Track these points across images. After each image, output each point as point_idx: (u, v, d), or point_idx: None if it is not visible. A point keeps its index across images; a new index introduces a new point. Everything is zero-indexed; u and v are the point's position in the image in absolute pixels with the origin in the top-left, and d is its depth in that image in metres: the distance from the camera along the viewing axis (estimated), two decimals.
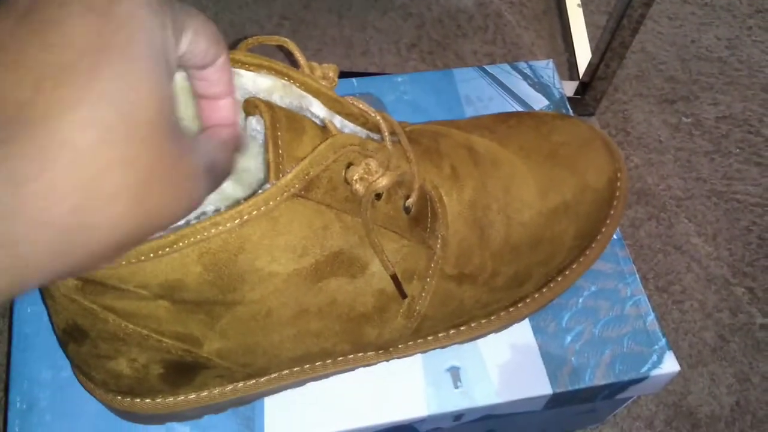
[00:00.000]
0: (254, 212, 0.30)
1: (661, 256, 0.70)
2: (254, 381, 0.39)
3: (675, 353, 0.56)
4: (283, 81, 0.34)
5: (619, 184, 0.47)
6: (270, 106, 0.32)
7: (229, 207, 0.30)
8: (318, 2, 0.92)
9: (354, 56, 0.87)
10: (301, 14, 0.91)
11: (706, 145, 0.80)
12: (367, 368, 0.43)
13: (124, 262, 0.28)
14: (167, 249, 0.28)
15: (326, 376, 0.42)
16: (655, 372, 0.46)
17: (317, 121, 0.35)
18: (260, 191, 0.31)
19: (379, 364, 0.44)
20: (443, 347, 0.44)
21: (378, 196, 0.35)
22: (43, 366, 0.42)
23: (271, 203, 0.30)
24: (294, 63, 0.37)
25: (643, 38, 0.89)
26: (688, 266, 0.70)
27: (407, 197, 0.38)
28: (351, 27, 0.90)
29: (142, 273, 0.29)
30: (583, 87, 0.81)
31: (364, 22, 0.90)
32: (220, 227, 0.29)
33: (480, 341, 0.46)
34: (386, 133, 0.37)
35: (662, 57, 0.88)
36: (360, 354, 0.41)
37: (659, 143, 0.80)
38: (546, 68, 0.61)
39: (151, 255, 0.28)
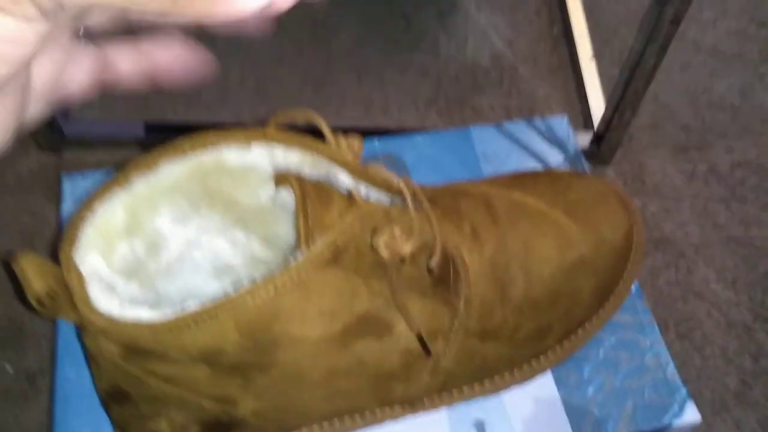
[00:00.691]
0: (287, 282, 0.32)
1: (680, 303, 0.71)
2: None
3: (697, 400, 0.56)
4: (311, 154, 0.36)
5: (635, 237, 0.49)
6: (299, 179, 0.35)
7: (263, 276, 0.32)
8: (338, 62, 0.95)
9: (374, 114, 0.90)
10: (323, 74, 0.94)
11: (722, 191, 0.81)
12: (394, 422, 0.45)
13: (166, 331, 0.30)
14: (206, 318, 0.30)
15: (354, 430, 0.43)
16: (677, 422, 0.47)
17: (343, 190, 0.37)
18: (291, 259, 0.33)
19: (405, 419, 0.45)
20: (468, 401, 0.46)
21: (402, 260, 0.37)
22: (85, 427, 0.44)
23: (302, 274, 0.32)
24: (322, 134, 0.39)
25: (656, 88, 0.92)
26: (708, 312, 0.71)
27: (430, 258, 0.39)
28: (370, 85, 0.93)
29: (182, 340, 0.31)
30: (598, 138, 0.83)
31: (383, 81, 0.93)
32: (256, 297, 0.31)
33: (504, 394, 0.47)
34: (409, 198, 0.39)
35: (676, 106, 0.90)
36: (387, 409, 0.43)
37: (675, 191, 0.82)
38: (560, 123, 0.63)
39: (191, 324, 0.30)
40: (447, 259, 0.41)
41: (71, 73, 0.28)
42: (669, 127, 0.88)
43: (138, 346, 0.31)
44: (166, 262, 0.37)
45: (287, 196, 0.36)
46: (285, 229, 0.40)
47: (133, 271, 0.35)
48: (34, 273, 0.30)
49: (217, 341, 0.31)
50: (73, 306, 0.31)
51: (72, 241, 0.31)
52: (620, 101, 0.80)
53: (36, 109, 0.27)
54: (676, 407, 0.48)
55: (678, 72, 0.94)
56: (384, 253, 0.35)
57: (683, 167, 0.84)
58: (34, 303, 0.31)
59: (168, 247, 0.37)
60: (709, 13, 1.00)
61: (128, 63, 0.29)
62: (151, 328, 0.30)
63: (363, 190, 0.39)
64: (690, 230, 0.78)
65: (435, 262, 0.39)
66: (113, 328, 0.30)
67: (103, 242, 0.33)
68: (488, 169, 0.59)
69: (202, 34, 0.27)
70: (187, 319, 0.30)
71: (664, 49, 0.75)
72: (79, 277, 0.31)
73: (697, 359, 0.69)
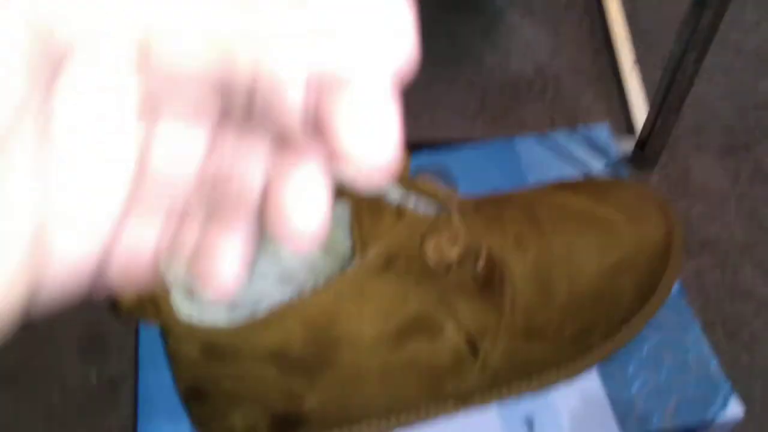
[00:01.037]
0: (346, 287, 0.35)
1: (727, 303, 0.73)
2: None
3: (747, 397, 0.58)
4: None
5: (674, 238, 0.51)
6: (353, 193, 0.38)
7: (325, 281, 0.36)
8: None
9: (422, 126, 0.94)
10: None
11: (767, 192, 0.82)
12: (447, 418, 0.48)
13: (240, 332, 0.34)
14: (275, 320, 0.34)
15: (410, 425, 0.46)
16: (721, 416, 0.49)
17: (394, 202, 0.41)
18: (348, 266, 0.36)
19: (458, 414, 0.48)
20: (516, 396, 0.48)
21: (450, 265, 0.40)
22: (166, 425, 0.48)
23: (359, 279, 0.36)
24: None
25: (699, 91, 0.93)
26: (755, 312, 0.72)
27: (476, 263, 0.42)
28: (417, 100, 0.96)
29: (254, 340, 0.35)
30: (642, 143, 0.85)
31: (431, 95, 0.97)
32: (318, 301, 0.35)
33: (551, 391, 0.50)
34: (455, 207, 0.43)
35: (719, 109, 0.92)
36: (440, 405, 0.46)
37: (720, 193, 0.83)
38: (602, 130, 0.66)
39: (262, 326, 0.34)
40: (492, 264, 0.44)
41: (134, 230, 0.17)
42: (713, 130, 0.89)
43: (215, 347, 0.35)
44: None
45: (343, 210, 0.39)
46: (341, 239, 0.44)
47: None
48: None
49: (284, 341, 0.35)
50: (158, 311, 0.35)
51: None
52: (662, 106, 0.82)
53: (57, 287, 0.15)
54: (719, 402, 0.50)
55: (721, 75, 0.95)
56: (432, 258, 0.38)
57: (728, 169, 0.85)
58: (122, 309, 0.35)
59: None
60: (752, 15, 1.01)
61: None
62: (227, 329, 0.34)
63: (412, 201, 0.42)
64: (735, 231, 0.79)
65: (480, 266, 0.42)
66: (193, 330, 0.34)
67: None
68: (532, 178, 0.61)
69: None
70: (258, 322, 0.34)
71: (703, 53, 0.77)
72: (164, 284, 0.35)
73: (745, 357, 0.70)
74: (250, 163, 0.17)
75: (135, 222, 0.17)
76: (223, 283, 0.17)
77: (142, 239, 0.17)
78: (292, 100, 0.14)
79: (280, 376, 0.37)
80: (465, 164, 0.62)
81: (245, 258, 0.17)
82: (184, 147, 0.16)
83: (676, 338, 0.52)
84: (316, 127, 0.15)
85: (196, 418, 0.42)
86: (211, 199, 0.17)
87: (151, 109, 0.15)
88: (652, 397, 0.50)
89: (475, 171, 0.62)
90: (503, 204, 0.48)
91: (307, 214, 0.16)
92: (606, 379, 0.51)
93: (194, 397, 0.40)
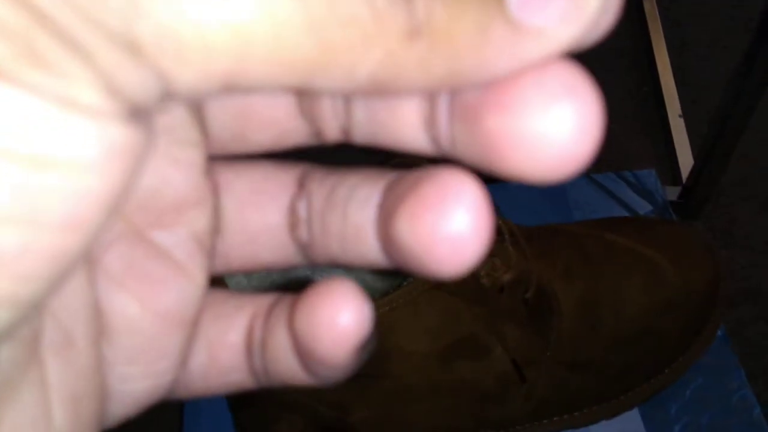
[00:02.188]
0: (401, 300, 0.36)
1: None
2: None
3: None
4: None
5: (720, 283, 0.51)
6: None
7: (380, 296, 0.37)
8: None
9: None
10: None
11: None
12: None
13: None
14: None
15: None
16: None
17: None
18: (405, 283, 0.37)
19: None
20: (558, 431, 0.48)
21: (501, 289, 0.41)
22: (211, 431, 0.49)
23: (413, 293, 0.37)
24: None
25: (745, 144, 0.93)
26: None
27: (526, 292, 0.43)
28: None
29: None
30: (686, 192, 0.85)
31: None
32: (375, 311, 0.35)
33: (592, 427, 0.50)
34: (507, 235, 0.44)
35: (765, 160, 0.92)
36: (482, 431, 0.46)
37: (765, 244, 0.82)
38: (649, 176, 0.66)
39: None
40: (541, 293, 0.44)
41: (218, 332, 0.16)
42: (759, 182, 0.89)
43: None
44: (294, 284, 0.42)
45: None
46: None
47: (268, 288, 0.40)
48: None
49: None
50: None
51: None
52: (708, 157, 0.82)
53: (124, 406, 0.15)
54: None
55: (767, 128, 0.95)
56: (485, 280, 0.39)
57: None
58: None
59: (296, 272, 0.42)
60: None
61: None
62: None
63: None
64: None
65: (530, 294, 0.43)
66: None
67: None
68: (579, 216, 0.62)
69: None
70: None
71: (752, 108, 0.77)
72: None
73: None
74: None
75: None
76: None
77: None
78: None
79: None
80: (512, 200, 0.63)
81: None
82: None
83: (719, 382, 0.52)
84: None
85: (242, 425, 0.43)
86: None
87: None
88: None
89: (523, 207, 0.63)
90: (553, 236, 0.49)
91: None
92: (647, 419, 0.50)
93: (242, 404, 0.41)
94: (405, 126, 0.13)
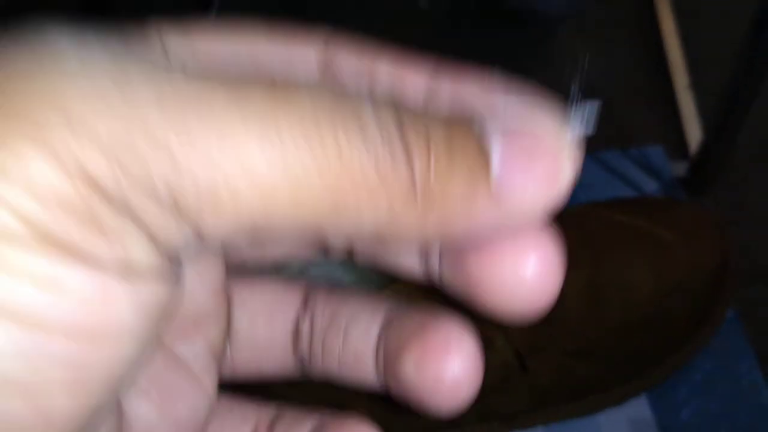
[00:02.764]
0: (397, 294, 0.35)
1: None
2: None
3: None
4: None
5: (730, 264, 0.49)
6: None
7: (377, 289, 0.35)
8: None
9: None
10: None
11: None
12: None
13: None
14: None
15: None
16: None
17: None
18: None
19: None
20: (563, 420, 0.47)
21: None
22: None
23: (409, 287, 0.35)
24: None
25: (755, 117, 0.91)
26: None
27: None
28: None
29: None
30: (695, 167, 0.83)
31: None
32: None
33: (599, 415, 0.49)
34: None
35: None
36: (485, 424, 0.45)
37: None
38: (656, 154, 0.65)
39: None
40: None
41: None
42: None
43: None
44: (288, 275, 0.41)
45: None
46: None
47: None
48: None
49: None
50: None
51: None
52: (718, 131, 0.80)
53: None
54: None
55: None
56: None
57: None
58: None
59: (290, 264, 0.41)
60: None
61: None
62: None
63: None
64: None
65: None
66: None
67: None
68: (584, 196, 0.60)
69: None
70: None
71: (761, 79, 0.75)
72: None
73: None
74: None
75: None
76: None
77: None
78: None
79: None
80: None
81: None
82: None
83: (728, 366, 0.51)
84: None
85: None
86: None
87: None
88: (702, 424, 0.48)
89: None
90: (556, 219, 0.47)
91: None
92: (656, 404, 0.49)
93: None
94: (405, 256, 0.16)
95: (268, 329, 0.17)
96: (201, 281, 0.16)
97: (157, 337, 0.12)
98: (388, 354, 0.16)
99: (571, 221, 0.48)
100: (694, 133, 0.90)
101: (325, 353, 0.17)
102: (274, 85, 0.12)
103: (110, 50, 0.11)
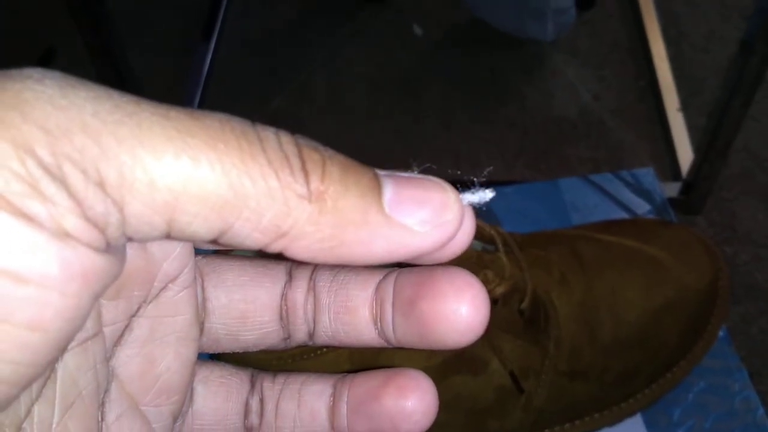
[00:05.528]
0: None
1: None
2: None
3: None
4: None
5: (720, 283, 0.50)
6: None
7: None
8: (427, 117, 1.00)
9: (462, 165, 0.94)
10: (413, 128, 0.99)
11: None
12: None
13: (290, 360, 0.34)
14: (325, 349, 0.34)
15: None
16: None
17: None
18: None
19: None
20: None
21: (495, 301, 0.40)
22: None
23: None
24: None
25: (745, 137, 0.92)
26: None
27: (521, 302, 0.42)
28: (459, 138, 0.97)
29: (303, 369, 0.35)
30: (687, 188, 0.84)
31: (471, 134, 0.97)
32: None
33: None
34: (500, 245, 0.43)
35: (765, 153, 0.91)
36: None
37: (767, 239, 0.81)
38: (647, 175, 0.65)
39: (312, 354, 0.34)
40: (537, 302, 0.44)
41: None
42: (759, 175, 0.88)
43: (266, 373, 0.36)
44: None
45: None
46: None
47: None
48: None
49: (332, 369, 0.35)
50: None
51: None
52: (709, 151, 0.81)
53: None
54: None
55: (767, 119, 0.94)
56: None
57: None
58: None
59: None
60: None
61: None
62: (277, 355, 0.34)
63: None
64: None
65: (525, 304, 0.42)
66: (246, 355, 0.34)
67: None
68: (576, 219, 0.61)
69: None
70: (309, 350, 0.34)
71: (750, 98, 0.76)
72: None
73: None
74: None
75: None
76: None
77: None
78: None
79: None
80: (508, 204, 0.63)
81: None
82: None
83: (722, 385, 0.51)
84: None
85: None
86: None
87: None
88: None
89: (519, 211, 0.62)
90: (549, 242, 0.48)
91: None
92: (650, 424, 0.50)
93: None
94: (360, 323, 0.19)
95: (222, 402, 0.20)
96: (180, 358, 0.18)
97: (91, 307, 0.14)
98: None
99: (564, 243, 0.48)
100: (685, 153, 0.91)
101: (279, 417, 0.20)
102: (193, 112, 0.15)
103: (67, 77, 0.14)
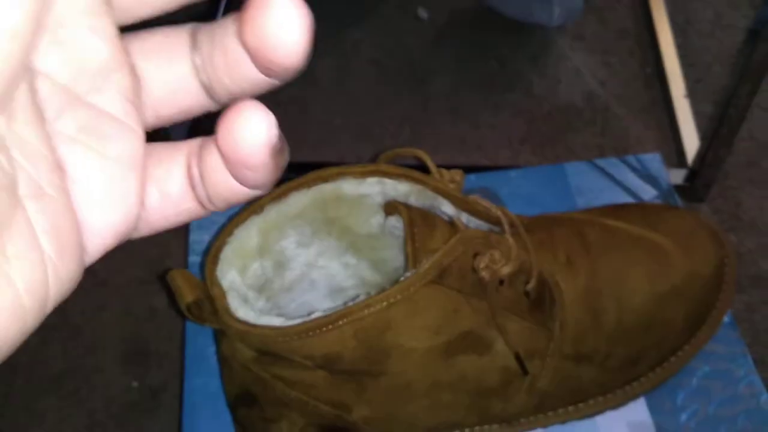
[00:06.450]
0: (398, 296, 0.36)
1: None
2: None
3: None
4: (418, 186, 0.40)
5: (726, 268, 0.50)
6: (407, 207, 0.39)
7: (377, 292, 0.36)
8: (434, 104, 1.00)
9: (469, 152, 0.94)
10: (420, 115, 0.99)
11: None
12: None
13: (295, 337, 0.34)
14: (329, 326, 0.34)
15: None
16: None
17: (446, 218, 0.41)
18: (402, 278, 0.37)
19: None
20: (563, 423, 0.48)
21: (501, 282, 0.40)
22: (211, 430, 0.49)
23: (411, 289, 0.36)
24: (425, 169, 0.43)
25: (751, 125, 0.92)
26: None
27: (527, 283, 0.42)
28: (465, 125, 0.97)
29: (308, 346, 0.35)
30: (692, 175, 0.84)
31: (477, 120, 0.97)
32: (372, 308, 0.35)
33: (598, 418, 0.49)
34: (507, 226, 0.43)
35: None
36: (486, 426, 0.46)
37: None
38: (653, 160, 0.65)
39: (317, 331, 0.34)
40: (543, 284, 0.44)
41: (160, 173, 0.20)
42: (765, 164, 0.88)
43: (269, 349, 0.36)
44: (289, 280, 0.42)
45: (396, 223, 0.40)
46: (392, 256, 0.44)
47: (263, 287, 0.40)
48: (185, 286, 0.35)
49: (337, 347, 0.35)
50: (216, 313, 0.35)
51: (215, 259, 0.36)
52: (714, 138, 0.81)
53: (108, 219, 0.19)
54: None
55: None
56: (484, 274, 0.38)
57: None
58: (184, 310, 0.36)
59: (291, 267, 0.41)
60: None
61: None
62: (282, 331, 0.34)
63: (464, 218, 0.42)
64: None
65: (531, 286, 0.42)
66: (249, 331, 0.35)
67: (239, 261, 0.38)
68: (582, 203, 0.61)
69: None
70: (314, 325, 0.34)
71: (757, 86, 0.76)
72: (221, 289, 0.36)
73: None
74: None
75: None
76: None
77: None
78: None
79: (331, 383, 0.38)
80: (514, 188, 0.63)
81: None
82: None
83: (726, 370, 0.51)
84: None
85: (242, 425, 0.43)
86: None
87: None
88: (700, 428, 0.49)
89: (524, 195, 0.62)
90: (555, 225, 0.48)
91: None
92: (654, 408, 0.50)
93: (243, 403, 0.41)
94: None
95: (170, 67, 0.19)
96: (97, 34, 0.17)
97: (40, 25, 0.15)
98: (240, 35, 0.18)
99: (569, 227, 0.48)
100: (691, 141, 0.91)
101: (215, 70, 0.19)
102: None
103: None
